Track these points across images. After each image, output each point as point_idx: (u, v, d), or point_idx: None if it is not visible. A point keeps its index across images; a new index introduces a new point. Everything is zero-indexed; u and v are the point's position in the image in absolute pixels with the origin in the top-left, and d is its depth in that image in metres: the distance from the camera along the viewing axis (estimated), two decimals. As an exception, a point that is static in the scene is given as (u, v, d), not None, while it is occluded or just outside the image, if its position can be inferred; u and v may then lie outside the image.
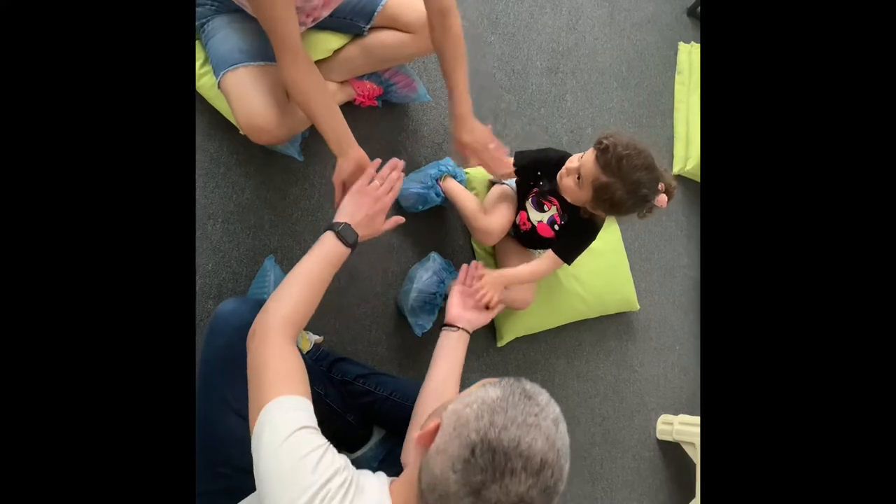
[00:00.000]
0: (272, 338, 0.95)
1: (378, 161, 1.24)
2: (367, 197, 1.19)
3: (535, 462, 0.71)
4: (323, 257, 1.10)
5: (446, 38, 1.32)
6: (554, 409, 0.77)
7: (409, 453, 1.13)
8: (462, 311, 1.34)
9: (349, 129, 1.23)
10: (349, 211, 1.17)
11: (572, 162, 1.38)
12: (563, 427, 0.77)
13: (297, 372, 0.93)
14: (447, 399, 1.04)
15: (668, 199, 1.33)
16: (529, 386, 0.78)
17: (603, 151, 1.29)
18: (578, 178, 1.35)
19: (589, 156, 1.33)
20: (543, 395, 0.78)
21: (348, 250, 1.12)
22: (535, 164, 1.50)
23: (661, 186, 1.32)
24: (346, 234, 1.12)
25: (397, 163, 1.25)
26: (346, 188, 1.22)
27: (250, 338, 0.97)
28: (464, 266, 1.43)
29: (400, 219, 1.27)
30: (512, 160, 1.50)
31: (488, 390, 0.77)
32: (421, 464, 0.78)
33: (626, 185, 1.28)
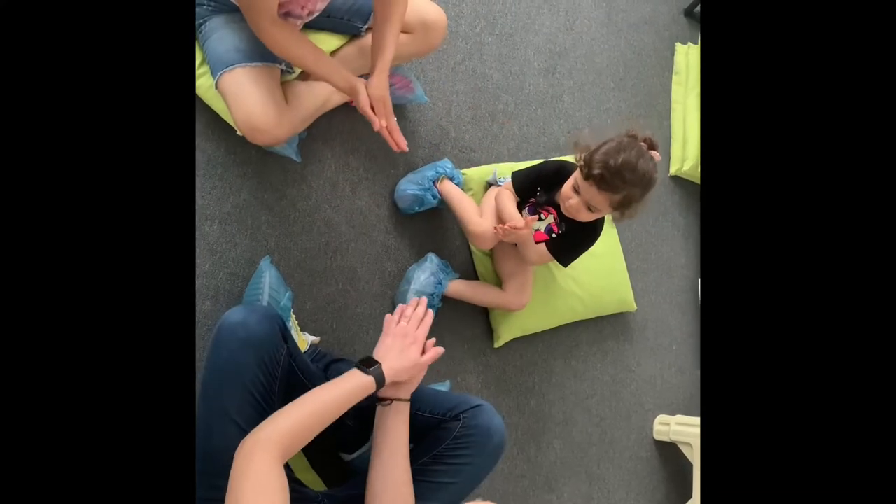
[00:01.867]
0: (258, 453, 0.88)
1: (401, 306, 1.21)
2: (399, 339, 1.15)
3: None
4: (347, 393, 1.03)
5: (388, 6, 1.32)
6: None
7: None
8: (394, 374, 1.10)
9: (346, 69, 1.31)
10: (384, 354, 1.12)
11: (571, 198, 1.38)
12: None
13: (275, 494, 0.86)
14: (399, 483, 1.04)
15: (657, 148, 1.34)
16: None
17: (601, 179, 1.29)
18: (590, 207, 1.36)
19: (588, 188, 1.32)
20: None
21: (373, 388, 1.06)
22: (535, 180, 1.51)
23: (646, 148, 1.32)
24: (378, 380, 1.06)
25: (422, 300, 1.22)
26: (374, 111, 1.29)
27: (238, 449, 0.90)
28: (400, 306, 1.23)
29: (440, 350, 1.17)
30: (405, 143, 1.37)
31: None
32: None
33: (639, 184, 1.30)
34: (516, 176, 1.54)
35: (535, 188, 1.52)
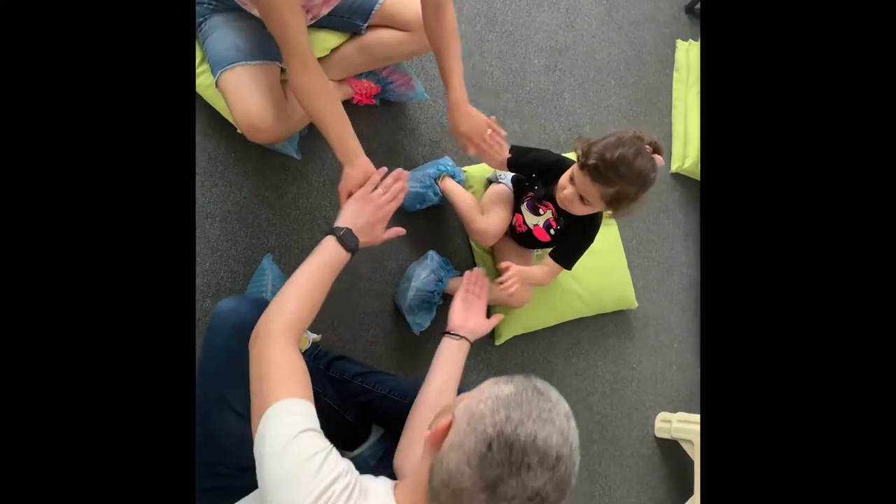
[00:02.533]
0: (274, 341, 0.95)
1: (384, 169, 1.24)
2: (370, 204, 1.20)
3: (550, 457, 0.72)
4: (324, 261, 1.10)
5: (441, 30, 1.33)
6: (565, 405, 0.80)
7: (404, 458, 1.13)
8: (464, 320, 1.34)
9: (356, 138, 1.23)
10: (351, 216, 1.18)
11: (566, 189, 1.37)
12: (573, 423, 0.79)
13: (299, 375, 0.92)
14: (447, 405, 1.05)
15: (661, 153, 1.33)
16: (540, 383, 0.80)
17: (595, 170, 1.28)
18: (582, 200, 1.35)
19: (583, 178, 1.32)
20: (554, 392, 0.80)
21: (349, 255, 1.13)
22: (531, 164, 1.50)
23: (650, 151, 1.31)
24: (347, 239, 1.12)
25: (402, 173, 1.26)
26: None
27: (252, 341, 0.97)
28: (466, 273, 1.44)
29: (401, 230, 1.27)
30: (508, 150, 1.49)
31: (500, 387, 0.78)
32: (432, 461, 0.78)
33: (634, 181, 1.29)
34: (515, 149, 1.52)
35: (531, 172, 1.51)
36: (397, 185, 1.24)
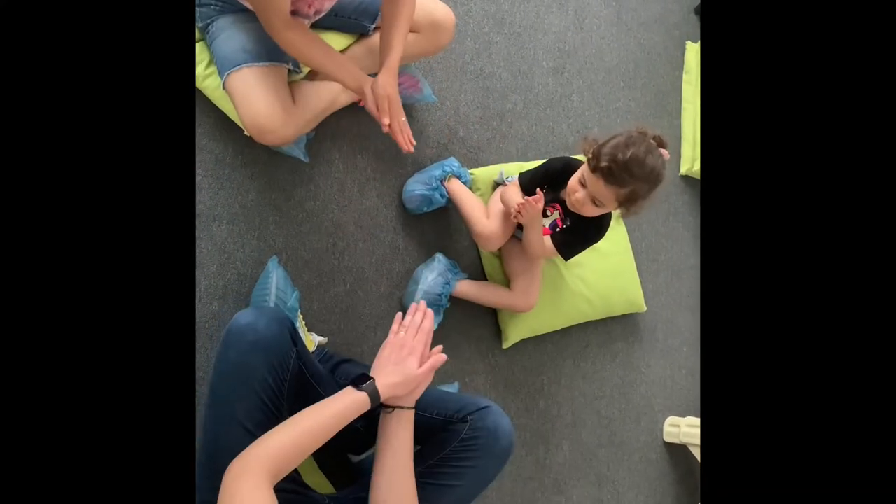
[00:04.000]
0: (245, 477, 0.86)
1: (399, 315, 1.17)
2: (395, 350, 1.11)
3: None
4: (341, 412, 1.00)
5: (396, 5, 1.32)
6: None
7: None
8: (392, 383, 1.07)
9: (357, 68, 1.31)
10: (379, 369, 1.09)
11: (577, 192, 1.36)
12: None
13: None
14: (403, 491, 1.02)
15: (665, 147, 1.33)
16: None
17: (608, 172, 1.28)
18: (595, 202, 1.34)
19: (595, 181, 1.31)
20: None
21: (367, 408, 1.03)
22: (543, 178, 1.50)
23: (656, 146, 1.31)
24: (373, 397, 1.03)
25: (421, 306, 1.18)
26: (379, 109, 1.29)
27: (226, 473, 0.89)
28: (397, 315, 1.19)
29: (441, 358, 1.11)
30: (412, 142, 1.37)
31: None
32: None
33: (646, 180, 1.29)
34: (523, 177, 1.54)
35: (542, 185, 1.51)
36: (416, 319, 1.15)
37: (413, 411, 1.11)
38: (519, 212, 1.39)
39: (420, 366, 1.09)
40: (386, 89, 1.29)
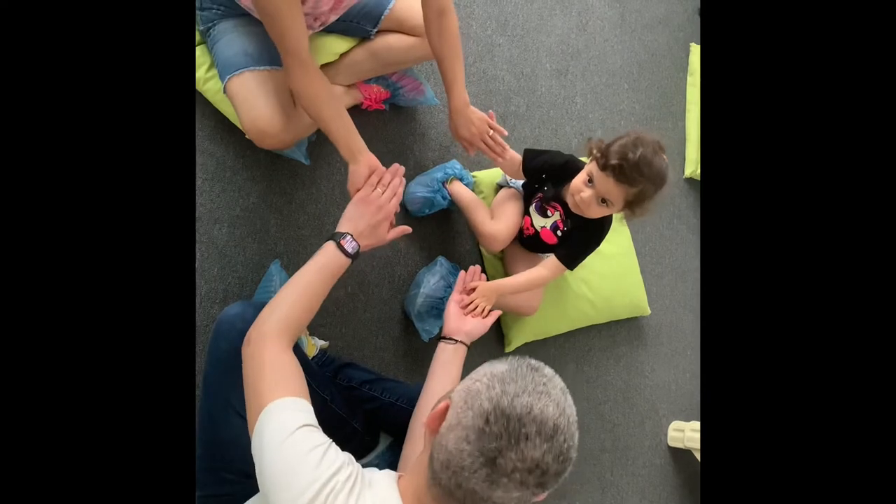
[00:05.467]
0: (267, 343, 0.95)
1: (383, 170, 1.23)
2: (370, 205, 1.19)
3: (548, 427, 0.73)
4: (322, 267, 1.10)
5: (443, 38, 1.33)
6: (560, 381, 0.81)
7: (407, 465, 1.12)
8: (459, 323, 1.33)
9: (359, 136, 1.23)
10: (351, 220, 1.17)
11: (583, 191, 1.35)
12: (569, 398, 0.80)
13: (294, 375, 0.93)
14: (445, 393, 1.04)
15: (664, 152, 1.34)
16: (534, 361, 0.82)
17: (619, 170, 1.28)
18: (603, 201, 1.34)
19: (605, 180, 1.31)
20: (548, 369, 0.81)
21: (349, 261, 1.13)
22: (542, 167, 1.49)
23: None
24: (346, 244, 1.12)
25: (398, 168, 1.25)
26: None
27: (245, 344, 0.97)
28: (461, 274, 1.42)
29: (406, 228, 1.25)
30: (512, 151, 1.50)
31: (495, 365, 0.81)
32: (432, 445, 0.79)
33: (654, 180, 1.29)
34: (528, 152, 1.51)
35: (542, 173, 1.50)
36: (395, 181, 1.23)
37: (466, 350, 1.28)
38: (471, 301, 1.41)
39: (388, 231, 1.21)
40: (467, 130, 1.43)
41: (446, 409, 0.79)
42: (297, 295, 1.04)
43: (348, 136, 1.22)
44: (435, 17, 1.30)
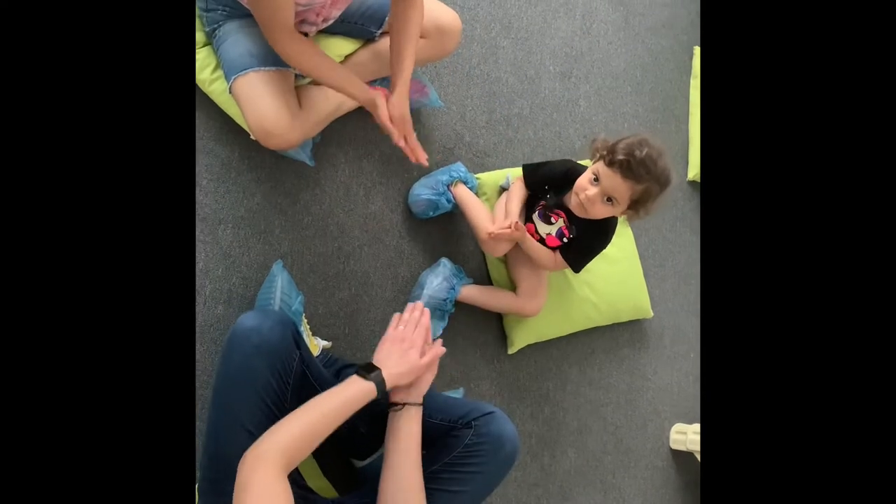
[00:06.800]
0: (260, 469, 0.88)
1: (397, 315, 1.20)
2: (396, 343, 1.14)
3: None
4: (348, 400, 1.02)
5: (406, 22, 1.32)
6: None
7: None
8: (397, 372, 1.10)
9: (361, 80, 1.31)
10: (385, 358, 1.11)
11: (588, 189, 1.35)
12: None
13: None
14: (412, 488, 1.02)
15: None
16: None
17: (626, 166, 1.28)
18: (609, 200, 1.34)
19: (612, 176, 1.31)
20: None
21: (374, 396, 1.05)
22: (543, 179, 1.50)
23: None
24: (380, 386, 1.05)
25: (418, 305, 1.21)
26: (394, 124, 1.29)
27: (241, 463, 0.90)
28: (395, 316, 1.21)
29: (440, 350, 1.16)
30: (425, 157, 1.38)
31: None
32: None
33: (659, 179, 1.30)
34: (527, 169, 1.53)
35: (544, 183, 1.51)
36: (416, 314, 1.19)
37: (421, 408, 1.13)
38: (496, 236, 1.41)
39: (421, 357, 1.12)
40: (399, 109, 1.31)
41: None
42: (310, 422, 0.97)
43: (355, 82, 1.30)
44: (401, 4, 1.32)
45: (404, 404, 1.11)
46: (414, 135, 1.35)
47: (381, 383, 1.05)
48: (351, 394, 1.03)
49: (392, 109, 1.30)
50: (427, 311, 1.20)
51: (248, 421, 1.03)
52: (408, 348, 1.13)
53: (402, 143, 1.34)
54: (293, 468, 0.93)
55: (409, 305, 1.21)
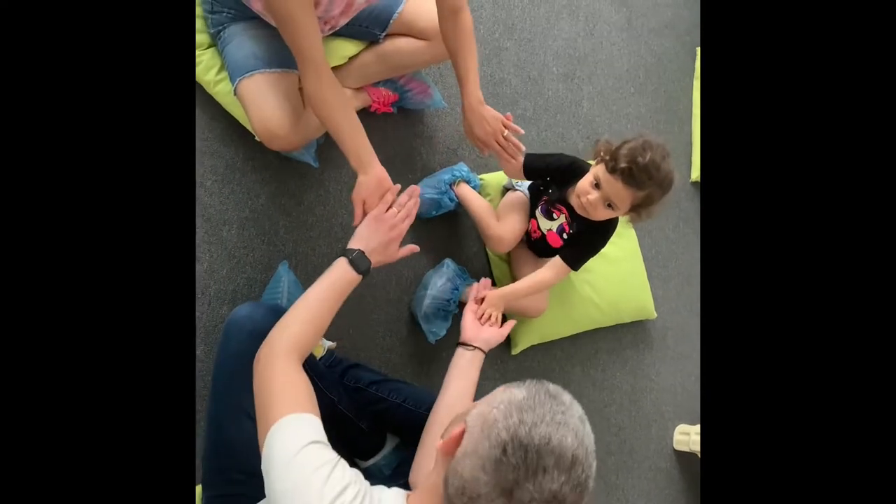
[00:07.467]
0: (277, 361, 0.95)
1: (398, 187, 1.24)
2: (384, 224, 1.19)
3: (566, 458, 0.71)
4: (333, 283, 1.10)
5: (457, 33, 1.33)
6: (578, 408, 0.79)
7: (419, 473, 1.12)
8: (477, 332, 1.34)
9: (370, 146, 1.22)
10: (364, 237, 1.18)
11: (590, 194, 1.35)
12: (588, 426, 0.78)
13: (303, 392, 0.92)
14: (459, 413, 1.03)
15: (669, 157, 1.35)
16: (552, 387, 0.79)
17: (628, 174, 1.27)
18: (609, 205, 1.34)
19: (614, 183, 1.30)
20: (567, 395, 0.79)
21: (359, 277, 1.13)
22: (546, 169, 1.49)
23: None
24: (358, 262, 1.12)
25: (414, 189, 1.25)
26: (365, 206, 1.22)
27: (256, 362, 0.97)
28: (474, 285, 1.44)
29: (415, 247, 1.26)
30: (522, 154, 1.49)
31: (512, 391, 0.77)
32: (446, 471, 0.77)
33: (661, 184, 1.29)
34: (529, 157, 1.51)
35: (545, 176, 1.50)
36: (410, 203, 1.23)
37: (483, 356, 1.29)
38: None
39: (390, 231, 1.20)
40: (481, 129, 1.43)
41: (462, 434, 0.77)
42: (308, 311, 1.05)
43: (358, 146, 1.21)
44: (449, 14, 1.31)
45: (475, 347, 1.28)
46: (504, 132, 1.45)
47: (358, 256, 1.13)
48: (336, 275, 1.10)
49: (480, 128, 1.43)
50: (419, 202, 1.26)
51: (249, 407, 1.03)
52: (393, 239, 1.20)
53: (496, 148, 1.45)
54: (305, 357, 1.00)
55: (410, 188, 1.26)
